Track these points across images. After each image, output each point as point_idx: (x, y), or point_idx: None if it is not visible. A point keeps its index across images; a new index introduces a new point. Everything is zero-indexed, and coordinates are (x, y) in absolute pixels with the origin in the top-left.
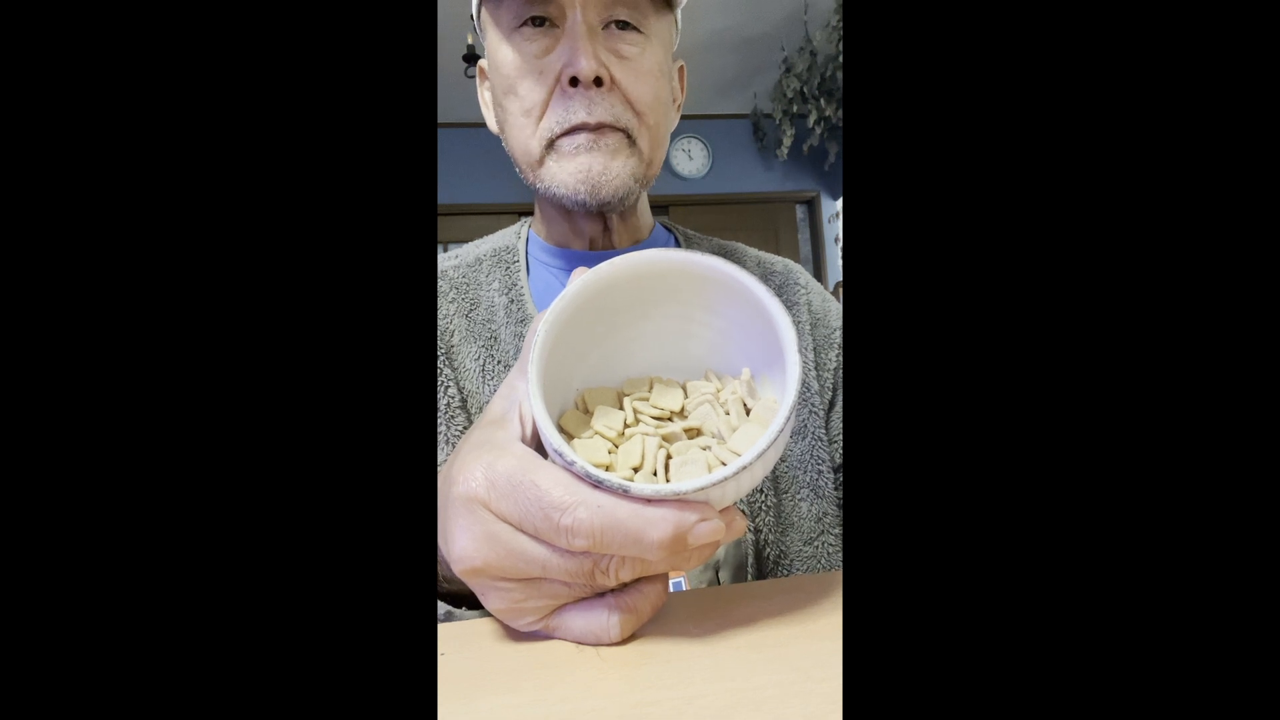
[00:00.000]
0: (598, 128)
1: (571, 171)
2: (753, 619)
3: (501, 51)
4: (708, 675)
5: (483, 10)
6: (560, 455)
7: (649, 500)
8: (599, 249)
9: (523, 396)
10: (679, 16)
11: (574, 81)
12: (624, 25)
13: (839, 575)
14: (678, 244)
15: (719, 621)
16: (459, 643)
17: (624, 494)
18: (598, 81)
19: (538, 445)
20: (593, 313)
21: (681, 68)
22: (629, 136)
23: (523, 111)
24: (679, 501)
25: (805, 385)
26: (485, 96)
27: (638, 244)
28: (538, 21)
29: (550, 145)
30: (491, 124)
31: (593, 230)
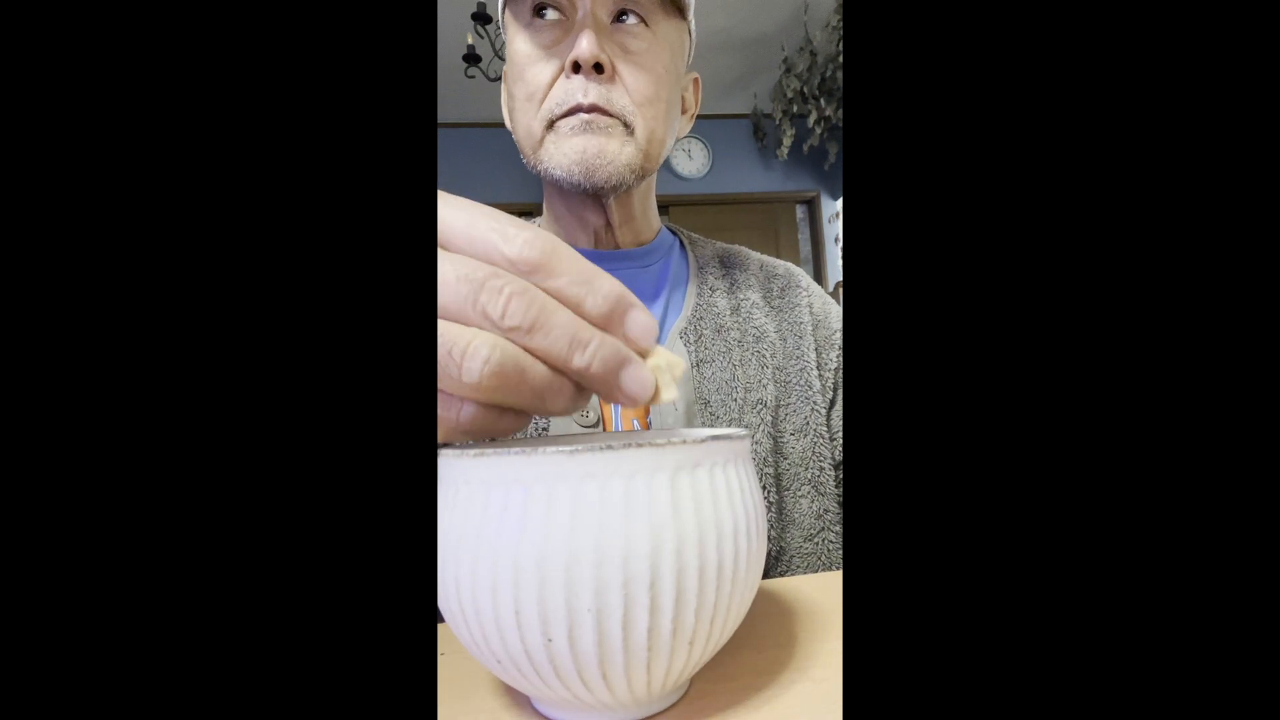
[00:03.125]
0: (592, 109)
1: (567, 151)
2: (753, 619)
3: (516, 42)
4: (709, 675)
5: (506, 11)
6: None
7: None
8: (604, 247)
9: None
10: (692, 28)
11: (576, 67)
12: (628, 15)
13: (839, 575)
14: (682, 247)
15: None
16: (459, 643)
17: None
18: (598, 68)
19: None
20: None
21: (696, 80)
22: (626, 125)
23: (527, 95)
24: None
25: (806, 384)
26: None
27: (642, 245)
28: (544, 11)
29: (550, 126)
30: (509, 122)
31: (596, 222)
